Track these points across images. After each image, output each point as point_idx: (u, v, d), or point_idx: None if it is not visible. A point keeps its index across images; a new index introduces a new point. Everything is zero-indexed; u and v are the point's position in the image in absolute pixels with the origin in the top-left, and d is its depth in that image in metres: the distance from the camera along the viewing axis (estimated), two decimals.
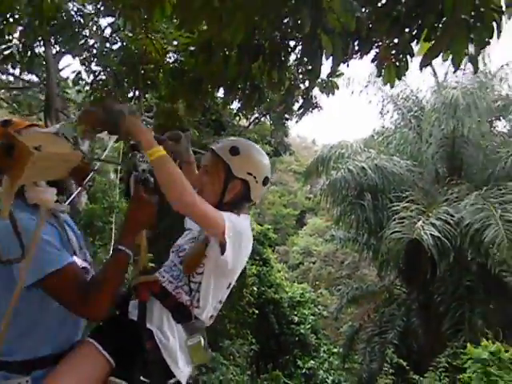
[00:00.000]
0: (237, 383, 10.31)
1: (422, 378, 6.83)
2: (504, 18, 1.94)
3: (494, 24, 1.83)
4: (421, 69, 1.77)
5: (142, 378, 1.54)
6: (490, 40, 1.82)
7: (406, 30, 2.27)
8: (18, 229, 1.32)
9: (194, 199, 1.54)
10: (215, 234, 1.61)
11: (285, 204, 31.69)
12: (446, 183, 9.57)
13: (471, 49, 1.68)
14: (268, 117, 9.95)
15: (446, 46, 1.67)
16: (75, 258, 1.57)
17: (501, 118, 10.88)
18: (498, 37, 1.88)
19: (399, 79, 2.80)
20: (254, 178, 1.77)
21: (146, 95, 5.66)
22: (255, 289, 12.40)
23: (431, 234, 7.80)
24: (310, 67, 2.41)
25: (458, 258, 8.51)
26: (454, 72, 8.31)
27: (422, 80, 12.02)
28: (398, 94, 11.04)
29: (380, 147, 11.25)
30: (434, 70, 10.51)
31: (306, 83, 3.89)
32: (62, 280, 1.40)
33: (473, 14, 1.63)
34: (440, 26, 1.88)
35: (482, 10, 1.61)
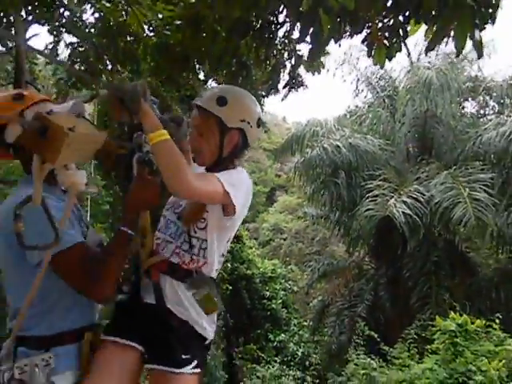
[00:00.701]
0: (212, 357, 10.49)
1: (391, 349, 7.14)
2: None
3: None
4: (426, 53, 1.80)
5: (183, 356, 1.56)
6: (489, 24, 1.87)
7: (402, 10, 2.31)
8: (51, 214, 1.29)
9: (195, 186, 1.50)
10: (219, 202, 1.62)
11: (255, 181, 31.81)
12: (418, 162, 9.84)
13: (476, 34, 1.72)
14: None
15: (450, 30, 1.71)
16: (90, 232, 1.59)
17: (469, 99, 11.19)
18: (493, 23, 1.93)
19: (389, 60, 2.84)
20: (248, 123, 1.71)
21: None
22: (228, 265, 12.53)
23: (403, 212, 8.06)
24: (310, 46, 2.40)
25: (427, 234, 8.84)
26: (427, 53, 8.45)
27: (396, 60, 12.16)
28: (372, 73, 11.15)
29: (354, 126, 11.39)
30: (407, 50, 10.63)
31: (292, 61, 3.89)
32: (67, 260, 1.40)
33: None
34: (440, 10, 1.91)
35: None
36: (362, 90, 11.19)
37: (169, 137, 1.46)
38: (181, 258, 1.65)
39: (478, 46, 1.81)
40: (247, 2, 2.28)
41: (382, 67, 2.89)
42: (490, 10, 1.67)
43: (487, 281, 9.07)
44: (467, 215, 7.59)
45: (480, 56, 1.86)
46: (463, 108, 11.11)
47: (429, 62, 9.95)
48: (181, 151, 1.94)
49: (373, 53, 2.82)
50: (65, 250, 1.38)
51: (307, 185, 11.41)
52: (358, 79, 11.12)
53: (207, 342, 1.69)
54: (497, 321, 5.76)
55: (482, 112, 10.86)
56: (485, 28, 1.76)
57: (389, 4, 2.28)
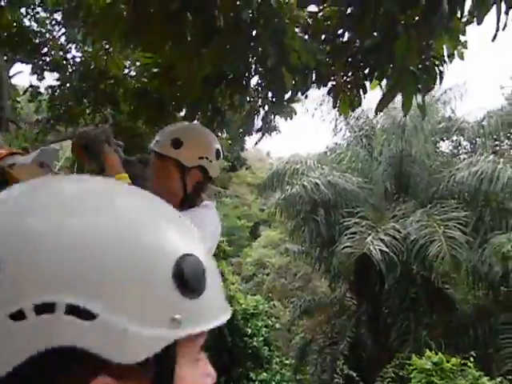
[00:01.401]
0: None
1: None
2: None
3: (438, 71, 2.07)
4: (376, 113, 1.95)
5: None
6: (434, 86, 2.04)
7: (361, 69, 2.49)
8: None
9: None
10: None
11: (239, 216, 31.81)
12: (394, 200, 10.06)
13: (419, 98, 1.88)
14: (225, 132, 10.07)
15: (396, 93, 1.87)
16: None
17: (444, 138, 11.59)
18: (440, 82, 2.11)
19: (352, 111, 3.02)
20: (207, 158, 1.75)
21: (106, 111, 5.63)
22: None
23: (380, 249, 8.18)
24: (273, 99, 2.56)
25: (405, 271, 8.95)
26: (376, 113, 8.81)
27: (373, 101, 12.57)
28: (350, 113, 11.49)
29: (333, 164, 11.64)
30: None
31: (266, 107, 4.06)
32: None
33: (419, 66, 1.84)
34: (390, 70, 2.08)
35: (427, 63, 1.82)
36: (341, 129, 11.51)
37: (128, 180, 1.54)
38: None
39: (421, 108, 1.97)
40: (216, 58, 2.43)
41: (346, 117, 3.07)
42: (433, 76, 1.84)
43: (465, 317, 9.16)
44: (442, 252, 7.75)
45: (423, 116, 2.02)
46: (438, 148, 11.48)
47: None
48: (149, 189, 2.03)
49: (338, 103, 3.01)
50: None
51: (288, 221, 11.54)
52: (337, 119, 11.46)
53: None
54: (471, 359, 5.81)
55: (455, 151, 11.23)
56: (428, 92, 1.93)
57: (347, 63, 2.46)
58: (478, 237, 8.68)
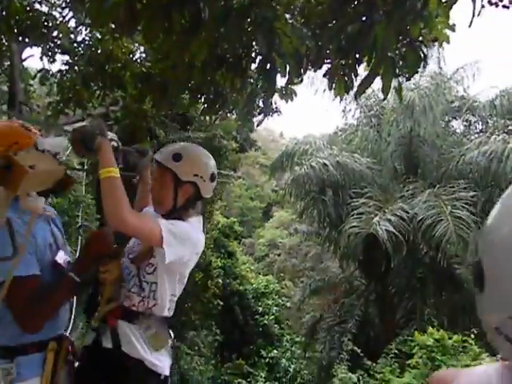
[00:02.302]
0: (200, 372, 10.59)
1: (374, 364, 7.30)
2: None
3: (421, 54, 2.16)
4: (356, 98, 2.06)
5: None
6: (417, 71, 2.13)
7: (350, 54, 2.58)
8: (13, 230, 1.56)
9: (127, 219, 1.65)
10: (154, 244, 1.77)
11: (251, 197, 32.03)
12: (403, 180, 10.09)
13: (395, 82, 1.98)
14: (234, 113, 10.17)
15: (375, 78, 1.97)
16: (60, 253, 1.79)
17: (456, 118, 11.49)
18: (425, 66, 2.21)
19: (347, 93, 3.12)
20: (201, 177, 1.91)
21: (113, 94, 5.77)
22: (220, 281, 12.69)
23: (386, 229, 8.27)
24: (266, 84, 2.67)
25: (411, 251, 9.04)
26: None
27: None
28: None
29: (342, 144, 11.68)
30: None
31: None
32: (14, 288, 1.56)
33: (397, 53, 1.93)
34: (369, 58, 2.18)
35: (404, 49, 1.91)
36: (350, 109, 11.50)
37: (116, 174, 1.67)
38: (131, 300, 1.84)
39: (399, 93, 2.08)
40: (209, 43, 2.54)
41: (341, 99, 3.16)
42: (412, 62, 1.93)
43: (472, 296, 9.23)
44: (448, 233, 7.81)
45: (400, 100, 2.12)
46: (450, 127, 11.40)
47: (414, 84, 10.27)
48: (143, 181, 2.18)
49: (334, 86, 3.11)
50: (17, 277, 1.56)
51: (297, 202, 11.66)
52: (346, 98, 11.41)
53: (162, 376, 1.85)
54: (472, 336, 5.94)
55: (466, 131, 11.16)
56: (409, 78, 2.03)
57: (337, 48, 2.55)
58: (486, 218, 8.69)
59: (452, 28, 2.25)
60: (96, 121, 1.79)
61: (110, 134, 1.82)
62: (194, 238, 1.87)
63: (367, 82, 2.05)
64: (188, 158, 1.91)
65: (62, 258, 1.80)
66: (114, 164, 1.71)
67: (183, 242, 1.80)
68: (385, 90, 1.99)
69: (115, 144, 1.84)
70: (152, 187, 1.99)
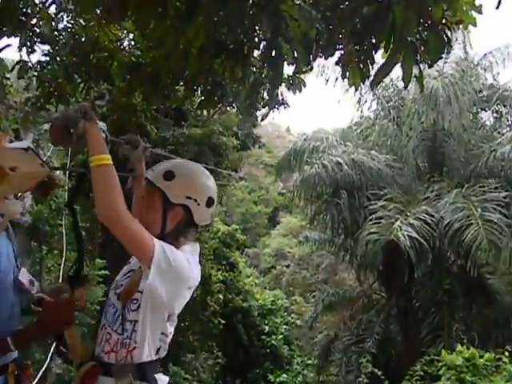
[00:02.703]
0: None
1: None
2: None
3: (444, 39, 2.19)
4: (372, 88, 2.09)
5: None
6: (440, 57, 2.16)
7: (365, 39, 2.61)
8: None
9: (120, 215, 1.63)
10: (141, 258, 1.75)
11: (255, 201, 31.96)
12: (427, 180, 10.11)
13: (416, 69, 2.01)
14: (234, 106, 10.22)
15: (394, 65, 2.01)
16: (22, 270, 1.86)
17: (486, 108, 11.49)
18: (449, 51, 2.24)
19: (363, 83, 3.15)
20: (195, 201, 1.84)
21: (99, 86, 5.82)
22: (221, 297, 12.72)
23: (409, 235, 8.29)
24: (271, 73, 2.71)
25: (438, 260, 9.05)
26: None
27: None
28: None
29: (358, 140, 11.71)
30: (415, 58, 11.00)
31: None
32: None
33: (418, 37, 1.97)
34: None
35: (426, 33, 1.94)
36: (366, 101, 11.54)
37: (109, 162, 1.66)
38: (110, 343, 1.82)
39: (419, 81, 2.11)
40: (207, 27, 2.58)
41: (356, 89, 3.19)
42: (435, 47, 1.96)
43: (506, 310, 9.24)
44: (479, 238, 7.82)
45: (422, 90, 2.15)
46: (478, 120, 11.41)
47: (438, 71, 10.30)
48: (135, 175, 2.20)
49: (347, 74, 3.14)
50: None
51: (307, 206, 11.70)
52: (361, 88, 11.45)
53: None
54: (506, 354, 5.94)
55: (497, 124, 11.16)
56: (431, 65, 2.06)
57: (351, 32, 2.58)
58: None
59: (478, 9, 2.27)
60: (79, 105, 1.77)
61: (100, 123, 1.81)
62: (185, 271, 1.81)
63: (385, 70, 2.08)
64: (181, 178, 1.86)
65: (24, 277, 1.88)
66: (106, 150, 1.69)
67: (174, 272, 1.76)
68: (405, 78, 2.01)
69: (103, 135, 1.80)
70: (139, 207, 1.95)
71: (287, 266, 23.10)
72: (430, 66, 2.19)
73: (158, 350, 1.84)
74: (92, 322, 6.54)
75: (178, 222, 1.85)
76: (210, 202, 1.90)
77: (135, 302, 1.79)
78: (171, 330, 1.91)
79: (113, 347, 1.82)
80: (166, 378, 1.94)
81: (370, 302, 12.19)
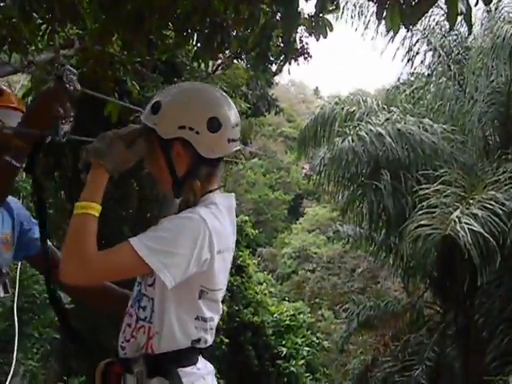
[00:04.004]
0: None
1: None
2: None
3: None
4: (408, 29, 2.14)
5: None
6: None
7: None
8: None
9: (91, 257, 1.77)
10: (141, 272, 1.88)
11: (272, 185, 31.98)
12: (497, 158, 10.06)
13: (462, 6, 2.05)
14: (244, 58, 10.24)
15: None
16: None
17: None
18: None
19: (406, 27, 3.18)
20: (191, 129, 1.90)
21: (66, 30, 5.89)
22: (225, 308, 12.83)
23: (471, 229, 8.29)
24: (284, 11, 2.77)
25: (509, 262, 9.04)
26: (451, 28, 8.76)
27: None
28: (432, 27, 11.41)
29: (406, 104, 11.67)
30: None
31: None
32: None
33: None
34: None
35: None
36: (418, 52, 11.47)
37: (93, 213, 1.83)
38: (131, 327, 1.96)
39: (467, 20, 2.15)
40: None
41: (395, 34, 3.24)
42: None
43: None
44: None
45: (469, 32, 2.20)
46: None
47: None
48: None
49: (385, 13, 3.18)
50: None
51: (339, 191, 11.74)
52: (412, 35, 11.39)
53: None
54: None
55: None
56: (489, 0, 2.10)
57: None
58: None
59: None
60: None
61: (70, 70, 2.00)
62: (191, 231, 1.86)
63: (424, 6, 2.12)
64: (168, 104, 1.95)
65: None
66: (99, 197, 1.87)
67: (173, 240, 1.84)
68: (450, 16, 2.06)
69: (70, 87, 2.01)
70: (145, 161, 2.07)
71: (312, 271, 23.22)
72: (487, 3, 2.23)
73: (195, 341, 1.96)
74: None
75: (185, 161, 1.95)
76: (214, 125, 1.93)
77: (151, 275, 1.89)
78: (213, 314, 2.01)
79: (132, 332, 1.95)
80: (207, 367, 2.11)
81: (420, 318, 12.24)
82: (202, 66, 6.49)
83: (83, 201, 1.83)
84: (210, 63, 10.16)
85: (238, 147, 2.08)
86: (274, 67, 10.52)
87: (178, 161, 1.94)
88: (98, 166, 1.87)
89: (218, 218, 1.92)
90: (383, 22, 3.13)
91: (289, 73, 13.38)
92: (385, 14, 3.10)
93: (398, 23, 3.11)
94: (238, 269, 14.78)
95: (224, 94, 2.10)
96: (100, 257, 1.78)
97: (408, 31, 11.39)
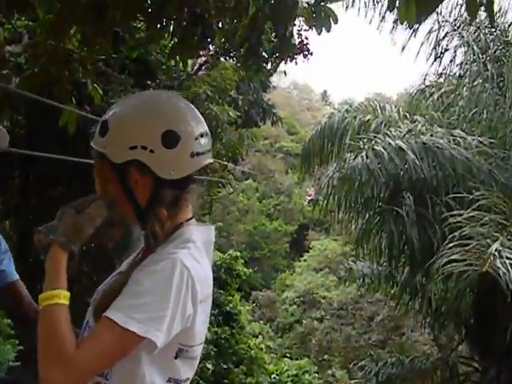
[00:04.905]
0: None
1: None
2: None
3: None
4: (419, 22, 2.23)
5: None
6: None
7: None
8: None
9: (75, 356, 1.77)
10: (135, 349, 1.85)
11: (269, 213, 31.90)
12: None
13: None
14: (232, 56, 10.31)
15: None
16: None
17: None
18: None
19: (424, 15, 3.25)
20: (143, 148, 1.93)
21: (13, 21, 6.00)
22: (209, 366, 12.79)
23: None
24: None
25: None
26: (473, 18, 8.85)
27: None
28: (465, 17, 11.53)
29: (433, 112, 11.75)
30: None
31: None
32: None
33: None
34: None
35: None
36: (447, 49, 11.59)
37: (62, 302, 1.84)
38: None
39: (488, 10, 2.24)
40: None
41: (411, 26, 3.33)
42: None
43: None
44: None
45: (491, 22, 2.28)
46: None
47: None
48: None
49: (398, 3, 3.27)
50: None
51: (351, 219, 11.77)
52: (440, 27, 11.49)
53: None
54: None
55: None
56: None
57: None
58: None
59: None
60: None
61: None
62: (180, 286, 1.87)
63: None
64: (115, 123, 2.00)
65: None
66: (63, 283, 1.89)
67: (168, 306, 1.83)
68: (469, 6, 2.14)
69: None
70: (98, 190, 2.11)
71: (320, 320, 23.14)
72: None
73: None
74: None
75: (146, 188, 1.99)
76: (170, 139, 1.96)
77: None
78: (189, 374, 2.02)
79: None
80: None
81: (455, 377, 12.23)
82: (181, 65, 6.52)
83: (45, 291, 1.84)
84: (191, 62, 10.25)
85: (209, 160, 2.10)
86: (269, 67, 10.64)
87: (137, 187, 1.98)
88: (51, 244, 1.91)
89: (198, 261, 1.95)
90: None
91: (285, 74, 13.40)
92: (398, 2, 3.20)
93: (413, 13, 3.20)
94: (227, 317, 14.77)
95: (184, 100, 2.14)
96: (84, 352, 1.77)
97: (437, 23, 11.54)
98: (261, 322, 20.39)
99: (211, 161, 2.12)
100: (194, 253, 1.95)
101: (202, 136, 2.03)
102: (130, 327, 1.75)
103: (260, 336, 17.10)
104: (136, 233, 2.19)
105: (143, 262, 1.95)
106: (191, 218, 2.09)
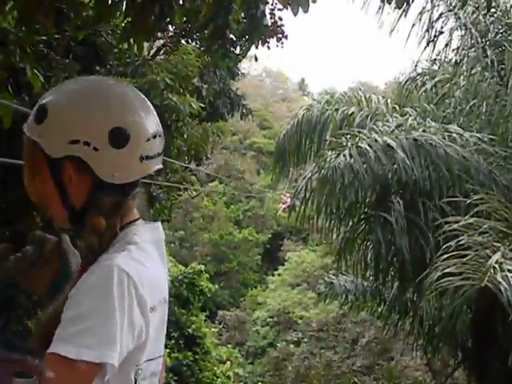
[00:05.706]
0: None
1: None
2: None
3: None
4: (399, 6, 2.26)
5: None
6: None
7: None
8: None
9: None
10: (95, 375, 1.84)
11: (238, 220, 31.91)
12: None
13: None
14: (195, 38, 10.28)
15: None
16: None
17: None
18: None
19: None
20: (86, 144, 1.92)
21: None
22: None
23: None
24: None
25: None
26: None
27: None
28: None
29: (425, 104, 11.83)
30: None
31: None
32: None
33: None
34: None
35: None
36: (442, 32, 11.67)
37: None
38: None
39: None
40: None
41: (400, 5, 3.37)
42: None
43: None
44: None
45: (488, 8, 2.32)
46: None
47: None
48: None
49: None
50: None
51: (332, 228, 11.79)
52: (434, 6, 11.54)
53: None
54: None
55: None
56: None
57: None
58: None
59: None
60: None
61: None
62: (120, 296, 1.87)
63: None
64: (57, 109, 1.99)
65: None
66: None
67: (115, 322, 1.84)
68: None
69: None
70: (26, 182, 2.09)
71: (297, 343, 23.17)
72: None
73: None
74: None
75: (83, 189, 1.98)
76: (119, 138, 1.96)
77: None
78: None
79: None
80: None
81: None
82: (135, 48, 6.47)
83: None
84: (147, 45, 10.22)
85: (159, 166, 2.09)
86: (238, 51, 10.63)
87: (71, 185, 1.98)
88: None
89: (141, 263, 1.95)
90: None
91: (256, 59, 13.29)
92: None
93: None
94: (189, 341, 14.75)
95: (139, 93, 2.12)
96: None
97: (430, 2, 11.60)
98: (229, 345, 20.44)
99: (161, 166, 2.11)
100: (136, 255, 1.95)
101: (154, 137, 2.04)
102: (84, 357, 1.74)
103: (228, 362, 17.12)
104: (73, 262, 2.13)
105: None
106: (138, 219, 2.10)
